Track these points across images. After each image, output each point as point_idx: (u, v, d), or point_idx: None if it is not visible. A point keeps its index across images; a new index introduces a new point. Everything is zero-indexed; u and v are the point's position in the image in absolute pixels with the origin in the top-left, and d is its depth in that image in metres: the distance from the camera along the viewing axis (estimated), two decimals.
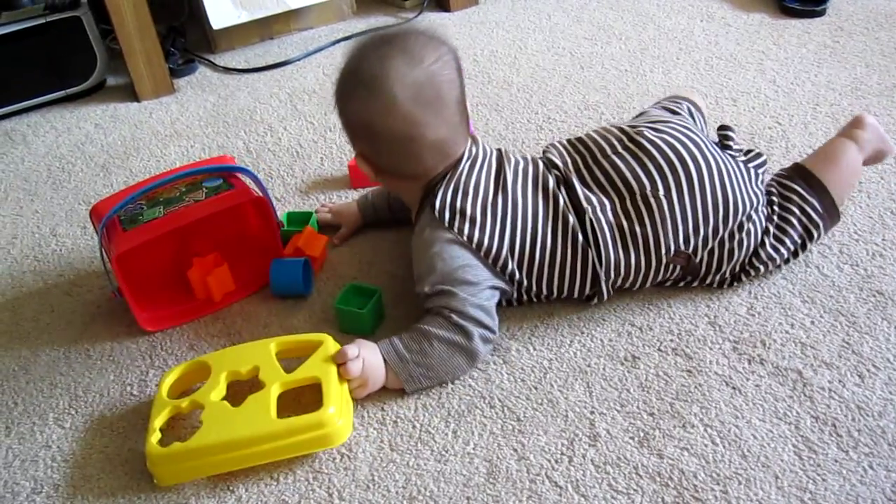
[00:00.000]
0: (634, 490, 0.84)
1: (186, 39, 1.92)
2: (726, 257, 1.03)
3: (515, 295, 1.06)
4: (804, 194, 1.06)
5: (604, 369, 0.98)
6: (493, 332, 0.99)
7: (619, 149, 1.03)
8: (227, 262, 1.14)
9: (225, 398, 0.93)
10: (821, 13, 1.75)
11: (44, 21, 1.63)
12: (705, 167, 1.01)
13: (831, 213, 1.07)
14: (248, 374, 0.96)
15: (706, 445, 0.87)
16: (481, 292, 0.99)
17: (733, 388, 0.94)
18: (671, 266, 1.04)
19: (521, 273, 1.02)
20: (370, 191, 1.28)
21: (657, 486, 0.84)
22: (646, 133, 1.03)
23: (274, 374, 0.94)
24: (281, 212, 1.29)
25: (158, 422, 0.92)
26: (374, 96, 0.95)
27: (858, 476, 0.83)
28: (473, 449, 0.90)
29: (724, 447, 0.87)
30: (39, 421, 1.00)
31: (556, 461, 0.88)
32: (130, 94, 1.74)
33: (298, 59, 1.82)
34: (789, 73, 1.56)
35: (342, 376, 0.94)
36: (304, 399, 0.96)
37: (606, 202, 1.01)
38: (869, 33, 1.67)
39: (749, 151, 1.08)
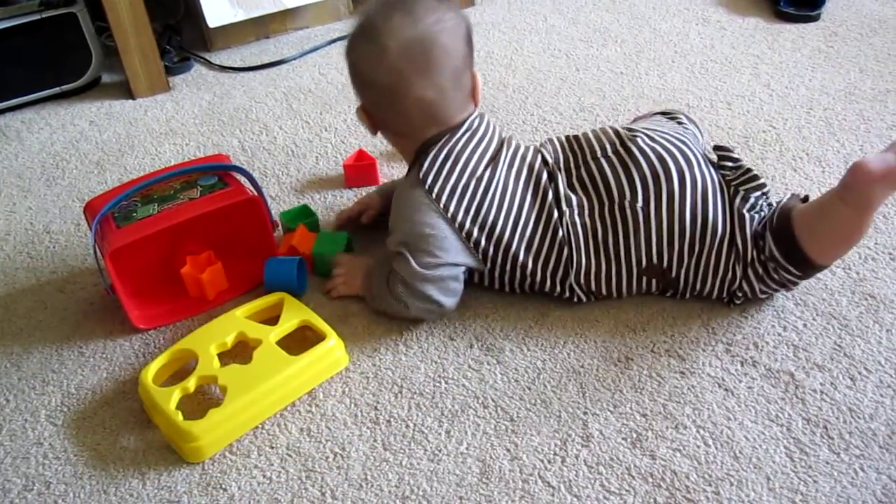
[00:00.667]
0: (627, 490, 0.84)
1: (182, 37, 1.92)
2: (710, 276, 1.01)
3: (487, 277, 1.07)
4: (784, 264, 0.97)
5: (597, 370, 0.98)
6: (438, 306, 1.03)
7: (609, 152, 1.03)
8: (220, 261, 1.14)
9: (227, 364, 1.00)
10: (815, 18, 1.76)
11: (39, 17, 1.62)
12: (690, 183, 0.99)
13: (812, 271, 1.00)
14: (235, 340, 1.03)
15: (698, 446, 0.88)
16: (440, 267, 1.01)
17: (726, 389, 0.94)
18: (645, 279, 1.04)
19: (495, 254, 1.04)
20: (389, 182, 1.31)
21: (649, 486, 0.84)
22: (639, 140, 1.02)
23: (261, 330, 1.02)
24: (276, 211, 1.29)
25: (172, 405, 0.94)
26: (369, 45, 1.01)
27: (849, 478, 0.83)
28: (466, 449, 0.90)
29: (716, 448, 0.87)
30: (31, 418, 1.00)
31: (549, 461, 0.88)
32: (125, 91, 1.73)
33: (294, 59, 1.82)
34: (784, 77, 1.56)
35: (336, 266, 1.14)
36: (290, 348, 1.02)
37: (585, 205, 1.02)
38: (863, 38, 1.68)
39: (747, 172, 1.01)
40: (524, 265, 1.04)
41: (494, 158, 1.04)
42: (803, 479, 0.83)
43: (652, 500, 0.83)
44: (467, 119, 1.04)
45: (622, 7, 1.93)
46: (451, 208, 1.01)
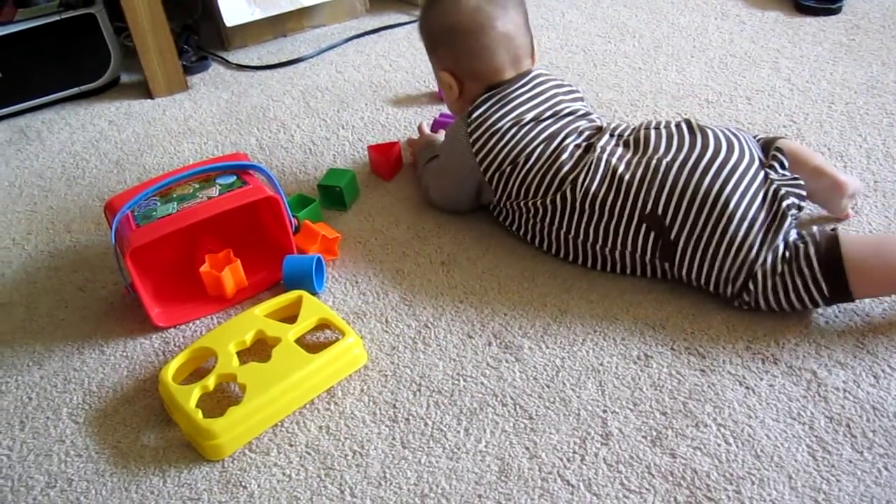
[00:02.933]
0: (647, 489, 0.83)
1: (200, 37, 1.93)
2: (709, 257, 1.00)
3: (494, 202, 1.19)
4: (819, 283, 0.96)
5: (616, 368, 0.97)
6: (440, 202, 1.25)
7: (665, 125, 1.09)
8: (239, 259, 1.14)
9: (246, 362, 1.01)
10: (836, 11, 1.74)
11: (59, 18, 1.64)
12: (726, 162, 1.01)
13: (838, 301, 0.99)
14: (253, 338, 1.04)
15: (719, 445, 0.87)
16: (456, 195, 1.23)
17: (747, 387, 0.93)
18: (644, 227, 1.03)
19: (510, 189, 1.14)
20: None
21: (669, 485, 0.84)
22: (698, 122, 1.09)
23: (280, 329, 1.03)
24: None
25: (192, 403, 0.94)
26: (448, 1, 1.16)
27: (873, 477, 0.82)
28: (485, 447, 0.90)
29: (737, 447, 0.87)
30: (53, 416, 1.01)
31: (569, 460, 0.87)
32: (144, 91, 1.74)
33: (311, 57, 1.82)
34: (804, 71, 1.54)
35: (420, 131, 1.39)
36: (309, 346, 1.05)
37: (619, 151, 1.08)
38: (885, 31, 1.65)
39: (794, 178, 1.03)
40: (529, 186, 1.11)
41: (545, 110, 1.14)
42: (826, 478, 0.83)
43: (672, 499, 0.82)
44: (530, 72, 1.16)
45: (640, 2, 1.91)
46: (482, 152, 1.14)
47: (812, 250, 0.96)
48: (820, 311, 1.01)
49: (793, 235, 1.00)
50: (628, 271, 1.09)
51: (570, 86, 1.20)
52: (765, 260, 0.97)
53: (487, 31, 1.13)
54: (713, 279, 1.01)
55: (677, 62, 1.63)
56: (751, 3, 1.84)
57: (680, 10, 1.85)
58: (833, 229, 1.00)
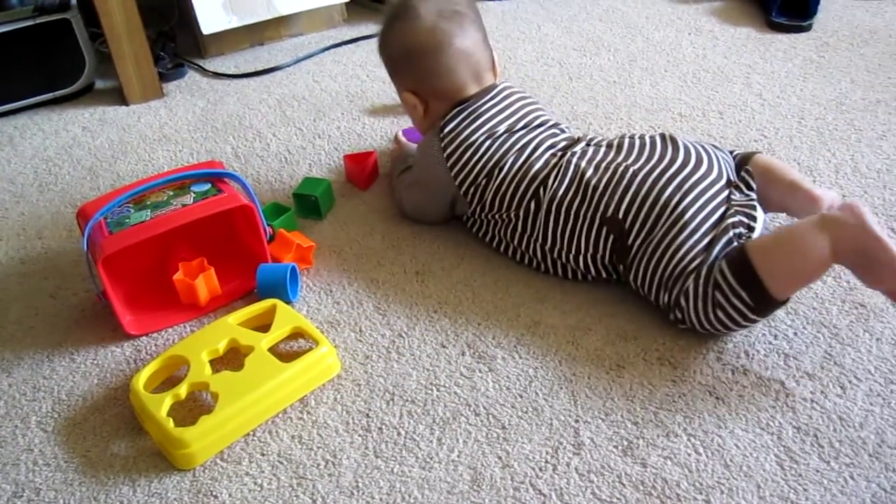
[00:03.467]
0: (618, 499, 0.84)
1: (176, 44, 1.92)
2: (654, 261, 1.01)
3: (468, 213, 1.19)
4: (737, 290, 0.95)
5: (589, 378, 0.98)
6: (413, 215, 1.26)
7: (640, 135, 1.12)
8: (213, 267, 1.14)
9: (219, 371, 1.00)
10: (807, 28, 1.77)
11: (33, 23, 1.62)
12: (692, 175, 1.03)
13: (767, 308, 0.97)
14: (226, 347, 1.03)
15: (689, 455, 0.88)
16: (430, 207, 1.23)
17: (717, 397, 0.94)
18: (605, 230, 1.04)
19: (483, 197, 1.15)
20: None
21: (640, 494, 0.84)
22: (676, 135, 1.11)
23: (253, 337, 1.03)
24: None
25: (163, 411, 0.93)
26: (404, 20, 1.18)
27: (839, 486, 0.84)
28: (458, 456, 0.90)
29: (707, 456, 0.88)
30: (21, 424, 1.00)
31: (541, 469, 0.88)
32: (119, 97, 1.73)
33: (288, 66, 1.82)
34: (775, 86, 1.57)
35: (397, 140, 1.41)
36: (282, 355, 1.05)
37: (589, 153, 1.10)
38: (853, 49, 1.69)
39: (752, 201, 1.04)
40: (504, 196, 1.12)
41: (517, 122, 1.16)
42: (793, 488, 0.84)
43: None
44: (496, 86, 1.19)
45: (615, 17, 1.94)
46: (458, 166, 1.15)
47: (724, 261, 0.96)
48: (788, 322, 1.03)
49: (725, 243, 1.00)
50: (580, 276, 1.11)
51: (533, 98, 1.22)
52: (697, 274, 0.97)
53: (446, 49, 1.15)
54: (655, 284, 1.02)
55: (651, 76, 1.65)
56: (723, 19, 1.87)
57: (654, 25, 1.88)
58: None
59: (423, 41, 1.15)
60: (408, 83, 1.21)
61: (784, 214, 1.16)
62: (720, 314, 0.96)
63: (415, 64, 1.18)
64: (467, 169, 1.14)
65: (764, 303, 0.94)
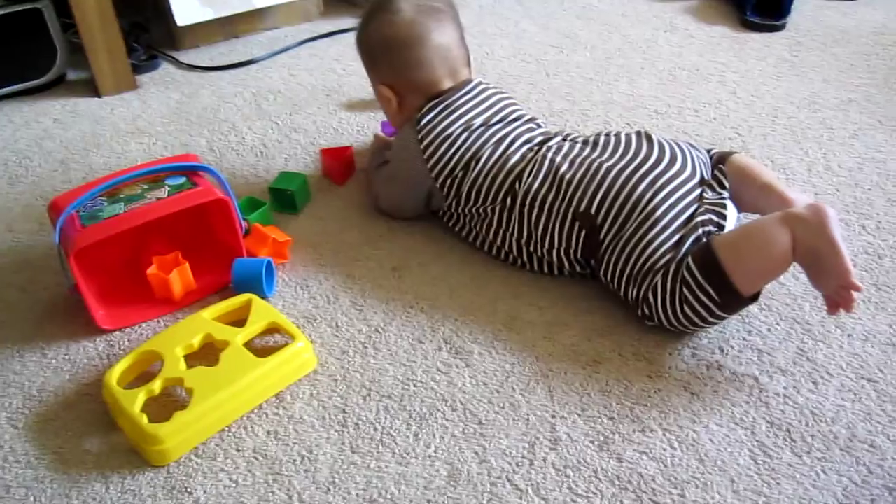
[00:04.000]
0: (594, 493, 0.85)
1: (150, 35, 1.89)
2: (624, 255, 1.01)
3: (444, 207, 1.19)
4: (703, 285, 0.95)
5: (565, 373, 0.98)
6: (388, 210, 1.26)
7: (617, 132, 1.13)
8: (188, 262, 1.13)
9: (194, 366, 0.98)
10: (780, 28, 1.79)
11: (3, 12, 1.59)
12: (666, 172, 1.03)
13: (733, 304, 0.97)
14: (202, 342, 1.02)
15: (664, 449, 0.89)
16: (405, 201, 1.23)
17: (692, 393, 0.95)
18: (577, 225, 1.05)
19: (458, 192, 1.15)
20: None
21: (616, 489, 0.85)
22: (653, 133, 1.11)
23: (228, 332, 1.02)
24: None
25: (137, 407, 0.92)
26: (384, 12, 1.18)
27: (811, 480, 0.85)
28: (435, 452, 0.90)
29: (682, 451, 0.88)
30: None
31: (518, 464, 0.88)
32: (91, 89, 1.71)
33: (264, 59, 1.81)
34: (750, 85, 1.59)
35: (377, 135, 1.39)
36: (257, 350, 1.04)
37: (564, 149, 1.11)
38: (826, 49, 1.71)
39: (722, 200, 1.04)
40: (473, 182, 1.13)
41: (493, 115, 1.16)
42: (767, 482, 0.85)
43: (619, 503, 0.83)
44: (471, 81, 1.19)
45: (592, 14, 1.94)
46: (434, 158, 1.15)
47: (690, 257, 0.97)
48: (762, 318, 1.04)
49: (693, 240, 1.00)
50: (556, 271, 1.12)
51: (509, 94, 1.22)
52: (666, 270, 0.98)
53: (424, 43, 1.16)
54: (624, 280, 1.02)
55: (628, 74, 1.66)
56: (699, 17, 1.88)
57: (631, 22, 1.89)
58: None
59: (403, 34, 1.16)
60: (383, 76, 1.21)
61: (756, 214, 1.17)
62: (687, 310, 0.96)
63: (392, 56, 1.18)
64: (444, 161, 1.14)
65: (729, 297, 0.95)
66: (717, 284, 0.94)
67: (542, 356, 1.01)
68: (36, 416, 0.98)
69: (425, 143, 1.15)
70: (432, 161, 1.15)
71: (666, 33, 1.82)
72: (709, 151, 1.14)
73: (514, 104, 1.20)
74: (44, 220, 1.31)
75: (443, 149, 1.14)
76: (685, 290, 0.96)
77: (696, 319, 0.97)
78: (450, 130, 1.14)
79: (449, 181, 1.15)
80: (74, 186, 1.34)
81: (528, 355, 1.01)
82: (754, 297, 0.97)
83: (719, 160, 1.11)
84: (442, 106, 1.16)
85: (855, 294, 0.91)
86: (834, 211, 0.92)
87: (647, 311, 1.00)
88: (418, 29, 1.16)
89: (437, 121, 1.15)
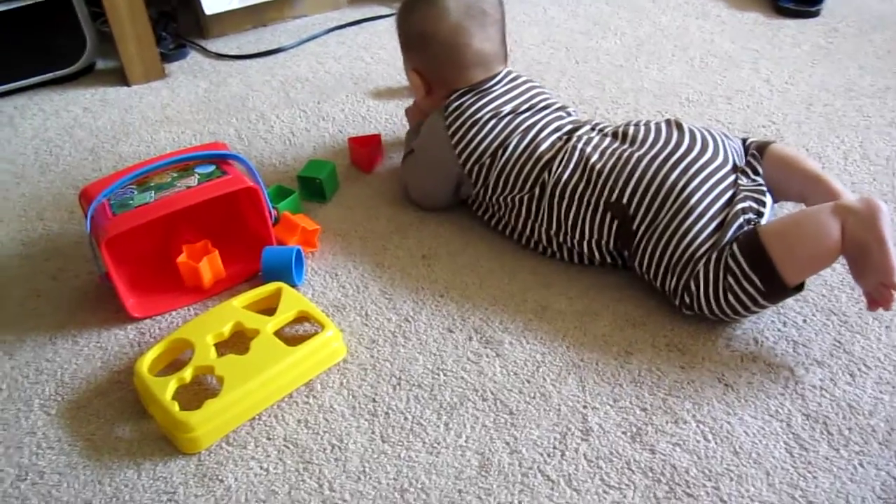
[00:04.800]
0: (626, 485, 0.84)
1: (178, 24, 1.90)
2: (661, 246, 1.00)
3: (473, 195, 1.18)
4: (749, 275, 0.94)
5: (597, 364, 0.97)
6: (415, 198, 1.25)
7: (647, 121, 1.11)
8: (217, 250, 1.13)
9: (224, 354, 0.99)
10: (815, 14, 1.76)
11: (33, 2, 1.60)
12: (697, 159, 1.02)
13: (778, 294, 0.96)
14: (232, 330, 1.02)
15: (698, 441, 0.87)
16: (434, 190, 1.22)
17: (726, 384, 0.94)
18: (609, 214, 1.04)
19: (487, 177, 1.14)
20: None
21: (649, 481, 0.84)
22: (683, 121, 1.10)
23: (258, 321, 1.02)
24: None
25: (168, 395, 0.93)
26: (431, 7, 1.16)
27: (849, 474, 0.83)
28: (465, 441, 0.90)
29: (716, 443, 0.87)
30: (25, 407, 0.99)
31: (549, 455, 0.87)
32: (120, 78, 1.71)
33: (291, 47, 1.80)
34: (783, 72, 1.56)
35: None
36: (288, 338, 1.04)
37: (594, 140, 1.09)
38: (862, 35, 1.67)
39: (760, 186, 1.03)
40: (500, 173, 1.12)
41: (521, 104, 1.15)
42: (803, 475, 0.83)
43: (652, 495, 0.83)
44: (502, 71, 1.18)
45: (621, 0, 1.92)
46: (462, 143, 1.14)
47: (735, 245, 0.96)
48: (797, 309, 1.02)
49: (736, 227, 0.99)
50: (586, 261, 1.11)
51: (539, 83, 1.21)
52: (708, 258, 0.97)
53: (464, 50, 1.15)
54: (662, 269, 1.01)
55: (658, 61, 1.63)
56: (731, 3, 1.85)
57: (661, 8, 1.86)
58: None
59: (444, 35, 1.15)
60: (417, 63, 1.21)
61: (790, 203, 1.15)
62: (731, 299, 0.95)
63: (430, 51, 1.17)
64: (472, 147, 1.13)
65: (775, 288, 0.93)
66: (764, 274, 0.93)
67: (574, 346, 1.00)
68: (68, 402, 0.99)
69: (453, 128, 1.14)
70: (460, 147, 1.14)
71: (697, 20, 1.79)
72: (744, 141, 1.11)
73: (544, 93, 1.19)
74: (74, 208, 1.31)
75: (470, 134, 1.13)
76: (730, 279, 0.95)
77: (739, 308, 0.96)
78: (478, 116, 1.13)
79: (477, 168, 1.14)
80: (104, 175, 1.35)
81: (559, 345, 1.00)
82: (799, 288, 0.95)
83: (758, 148, 1.09)
84: (471, 93, 1.15)
85: None
86: (886, 207, 0.90)
87: (687, 300, 0.99)
88: (462, 35, 1.14)
89: (465, 107, 1.14)
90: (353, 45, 1.79)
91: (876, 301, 0.92)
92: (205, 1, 1.78)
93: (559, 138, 1.12)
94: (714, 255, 0.96)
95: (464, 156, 1.14)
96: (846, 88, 1.49)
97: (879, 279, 0.89)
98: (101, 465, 0.91)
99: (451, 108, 1.15)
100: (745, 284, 0.94)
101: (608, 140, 1.09)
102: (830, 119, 1.40)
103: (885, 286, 0.89)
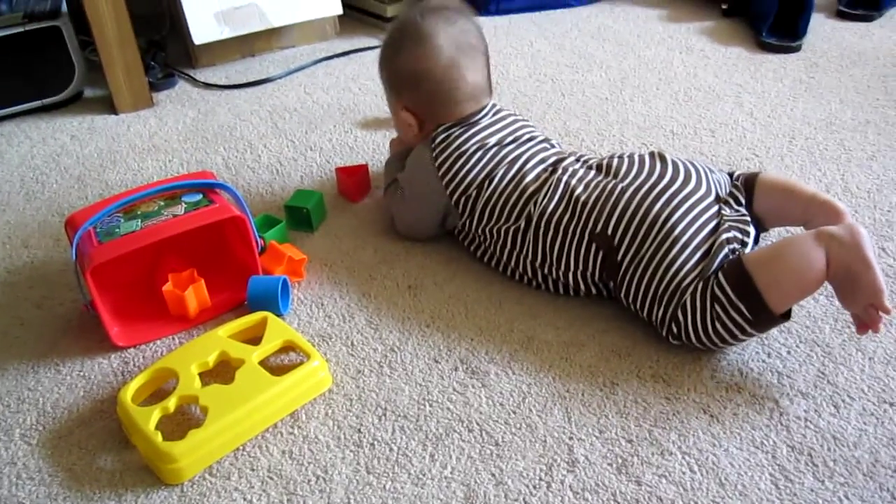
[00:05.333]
0: None
1: (167, 53, 1.91)
2: (647, 276, 1.01)
3: (459, 226, 1.19)
4: (736, 303, 0.95)
5: (583, 395, 0.97)
6: (403, 230, 1.24)
7: (630, 154, 1.12)
8: (203, 279, 1.13)
9: (209, 384, 0.98)
10: (796, 49, 1.79)
11: (22, 30, 1.61)
12: (680, 191, 1.03)
13: (765, 322, 0.97)
14: (217, 359, 1.01)
15: (684, 473, 0.87)
16: (421, 221, 1.22)
17: (711, 415, 0.94)
18: (594, 246, 1.05)
19: (473, 209, 1.15)
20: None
21: None
22: (666, 153, 1.11)
23: (244, 350, 1.01)
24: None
25: (151, 425, 0.92)
26: (420, 46, 1.15)
27: None
28: (451, 473, 0.89)
29: (701, 475, 0.87)
30: (5, 437, 0.97)
31: (535, 487, 0.87)
32: (108, 106, 1.72)
33: (280, 77, 1.82)
34: (766, 106, 1.58)
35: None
36: (273, 368, 1.04)
37: (579, 173, 1.10)
38: (843, 70, 1.70)
39: (743, 216, 1.05)
40: (494, 209, 1.13)
41: (506, 136, 1.16)
42: None
43: None
44: (488, 104, 1.19)
45: (607, 34, 1.95)
46: (449, 175, 1.15)
47: (721, 274, 0.97)
48: (781, 341, 1.03)
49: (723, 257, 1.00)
50: (571, 292, 1.11)
51: (524, 117, 1.23)
52: (695, 288, 0.97)
53: (457, 84, 1.16)
54: (648, 300, 1.01)
55: (643, 94, 1.66)
56: (714, 38, 1.88)
57: (646, 43, 1.89)
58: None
59: (438, 73, 1.15)
60: (408, 102, 1.21)
61: (773, 232, 1.17)
62: (719, 327, 0.96)
63: (422, 89, 1.17)
64: (458, 178, 1.14)
65: (762, 316, 0.94)
66: (751, 303, 0.94)
67: (560, 377, 1.00)
68: (50, 432, 0.98)
69: (440, 159, 1.15)
70: (447, 178, 1.15)
71: (681, 54, 1.82)
72: (731, 174, 1.13)
73: (528, 125, 1.20)
74: (59, 236, 1.31)
75: (457, 166, 1.14)
76: (717, 308, 0.95)
77: (727, 337, 0.97)
78: (464, 148, 1.14)
79: (464, 199, 1.14)
80: (91, 203, 1.34)
81: (545, 376, 1.00)
82: (786, 316, 0.96)
83: (746, 180, 1.10)
84: (458, 126, 1.16)
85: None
86: (866, 230, 0.92)
87: (675, 329, 0.99)
88: (454, 71, 1.15)
89: (451, 138, 1.15)
90: (340, 76, 1.80)
91: (865, 324, 0.93)
92: (194, 31, 1.79)
93: (544, 170, 1.13)
94: (700, 285, 0.97)
95: (451, 187, 1.15)
96: (827, 122, 1.51)
97: (868, 301, 0.90)
98: (82, 496, 0.89)
99: (437, 140, 1.16)
100: (733, 313, 0.95)
101: (592, 173, 1.11)
102: (812, 152, 1.42)
103: (875, 307, 0.90)
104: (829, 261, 0.92)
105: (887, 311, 0.90)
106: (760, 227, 1.11)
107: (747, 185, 1.10)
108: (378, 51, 1.26)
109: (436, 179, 1.16)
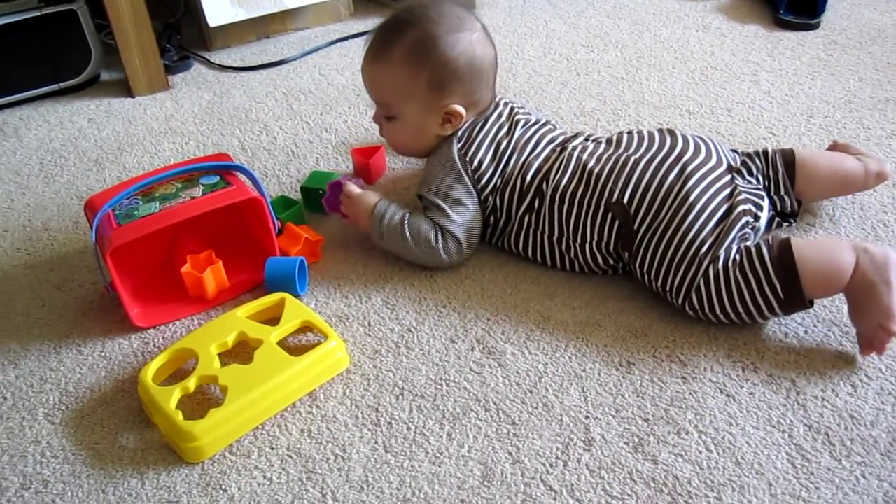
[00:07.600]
0: (629, 495, 0.84)
1: (182, 36, 1.92)
2: (663, 245, 1.01)
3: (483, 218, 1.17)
4: (772, 280, 0.96)
5: (599, 374, 0.98)
6: (461, 246, 1.13)
7: (643, 130, 1.14)
8: (221, 260, 1.14)
9: (228, 364, 1.00)
10: (815, 26, 1.77)
11: (39, 14, 1.62)
12: (692, 161, 1.05)
13: (793, 304, 0.98)
14: (235, 340, 1.02)
15: (700, 452, 0.88)
16: (463, 212, 1.13)
17: (727, 395, 0.94)
18: (610, 215, 1.05)
19: (501, 197, 1.15)
20: None
21: (651, 491, 0.84)
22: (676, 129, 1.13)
23: (262, 331, 1.02)
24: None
25: (172, 404, 0.93)
26: (463, 31, 1.12)
27: (851, 485, 0.83)
28: (468, 452, 0.90)
29: (718, 454, 0.87)
30: (29, 416, 0.99)
31: (551, 465, 0.88)
32: (125, 89, 1.73)
33: (295, 59, 1.82)
34: (784, 84, 1.57)
35: (344, 197, 1.19)
36: (291, 348, 1.05)
37: (590, 147, 1.12)
38: (862, 47, 1.68)
39: (757, 187, 1.09)
40: (509, 186, 1.13)
41: (511, 126, 1.17)
42: (805, 486, 0.84)
43: None
44: (495, 96, 1.21)
45: (623, 13, 1.93)
46: (479, 168, 1.14)
47: (765, 250, 0.97)
48: (799, 320, 1.02)
49: (749, 243, 1.02)
50: (587, 269, 1.11)
51: (521, 105, 1.24)
52: (714, 257, 0.99)
53: (494, 68, 1.17)
54: (664, 269, 1.02)
55: (659, 73, 1.65)
56: (731, 16, 1.87)
57: (662, 21, 1.87)
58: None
59: (491, 53, 1.16)
60: (460, 95, 1.14)
61: (806, 224, 1.16)
62: (747, 301, 0.97)
63: (476, 75, 1.14)
64: (483, 167, 1.14)
65: (793, 298, 0.96)
66: (786, 282, 0.95)
67: (576, 356, 1.00)
68: (72, 411, 0.99)
69: (469, 155, 1.15)
70: (472, 167, 1.14)
71: (697, 32, 1.80)
72: (764, 152, 1.14)
73: (529, 113, 1.22)
74: (79, 218, 1.32)
75: (480, 154, 1.14)
76: (752, 282, 0.96)
77: (753, 312, 0.98)
78: (484, 138, 1.15)
79: (488, 188, 1.14)
80: (108, 186, 1.36)
81: (562, 355, 1.01)
82: (811, 302, 0.99)
83: (784, 155, 1.13)
84: (473, 119, 1.17)
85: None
86: None
87: (695, 300, 1.00)
88: (490, 48, 1.16)
89: (475, 131, 1.16)
90: (355, 57, 1.80)
91: (871, 345, 0.95)
92: (209, 13, 1.79)
93: (553, 150, 1.14)
94: (722, 256, 0.98)
95: (482, 180, 1.14)
96: (846, 100, 1.50)
97: (880, 321, 0.92)
98: (104, 474, 0.91)
99: (460, 134, 1.16)
100: (766, 289, 0.96)
101: (602, 146, 1.12)
102: (831, 130, 1.41)
103: (884, 330, 0.92)
104: (856, 269, 0.94)
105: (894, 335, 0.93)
106: (800, 201, 1.14)
107: (786, 163, 1.12)
108: (391, 56, 1.13)
109: (469, 175, 1.15)
